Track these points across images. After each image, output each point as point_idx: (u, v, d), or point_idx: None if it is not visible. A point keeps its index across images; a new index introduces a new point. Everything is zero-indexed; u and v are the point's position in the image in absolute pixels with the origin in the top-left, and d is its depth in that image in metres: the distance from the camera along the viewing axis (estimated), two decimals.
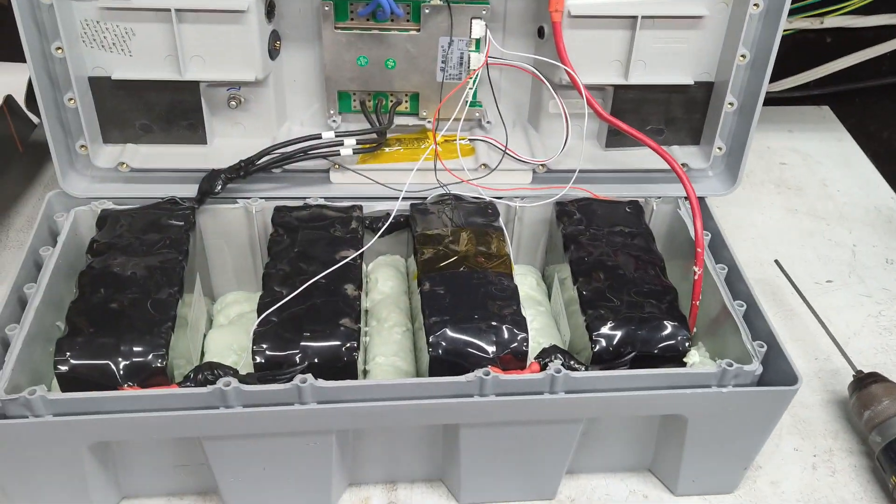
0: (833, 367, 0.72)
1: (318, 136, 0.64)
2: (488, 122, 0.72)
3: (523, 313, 0.56)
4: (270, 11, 0.64)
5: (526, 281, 0.70)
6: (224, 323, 0.67)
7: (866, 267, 0.84)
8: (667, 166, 0.63)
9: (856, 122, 1.08)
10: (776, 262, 0.77)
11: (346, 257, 0.59)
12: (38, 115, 0.63)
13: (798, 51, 1.03)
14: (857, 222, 0.90)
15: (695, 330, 0.62)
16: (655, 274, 0.61)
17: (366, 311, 0.66)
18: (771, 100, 0.95)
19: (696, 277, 0.61)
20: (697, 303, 0.61)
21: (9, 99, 0.80)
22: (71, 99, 0.62)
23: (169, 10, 0.60)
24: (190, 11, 0.61)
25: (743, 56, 0.65)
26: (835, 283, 0.82)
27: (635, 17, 0.63)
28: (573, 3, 0.63)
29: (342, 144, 0.65)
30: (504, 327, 0.54)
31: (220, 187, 0.64)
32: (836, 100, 1.10)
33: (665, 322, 0.57)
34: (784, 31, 0.63)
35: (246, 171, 0.64)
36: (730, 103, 0.66)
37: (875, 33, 1.01)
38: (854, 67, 1.03)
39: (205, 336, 0.65)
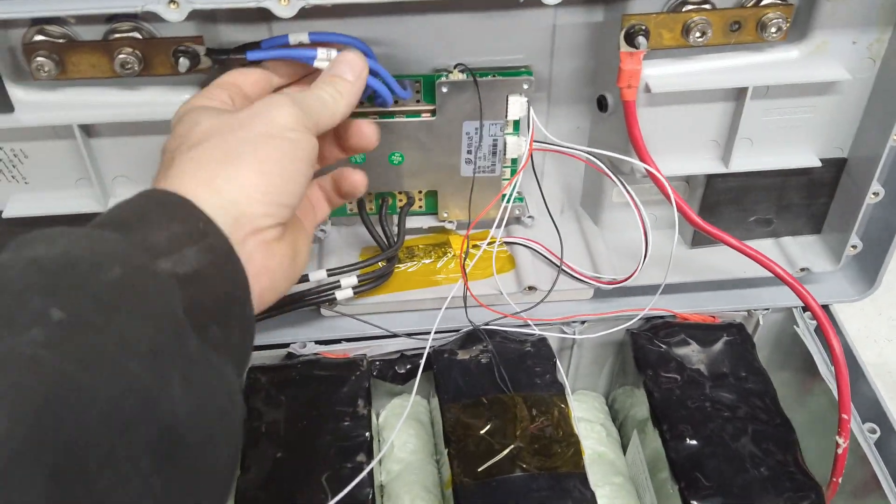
0: None
1: (304, 278, 0.46)
2: (530, 217, 0.53)
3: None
4: None
5: (593, 431, 0.52)
6: None
7: None
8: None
9: None
10: None
11: (351, 435, 0.44)
12: None
13: None
14: None
15: None
16: (785, 451, 0.44)
17: (380, 486, 0.49)
18: None
19: (839, 452, 0.44)
20: (839, 481, 0.45)
21: None
22: None
23: (70, 125, 0.41)
24: (103, 125, 0.42)
25: None
26: None
27: (744, 89, 0.44)
28: (653, 74, 0.43)
29: (339, 286, 0.46)
30: None
31: None
32: None
33: None
34: None
35: None
36: (875, 193, 0.47)
37: None
38: None
39: None
